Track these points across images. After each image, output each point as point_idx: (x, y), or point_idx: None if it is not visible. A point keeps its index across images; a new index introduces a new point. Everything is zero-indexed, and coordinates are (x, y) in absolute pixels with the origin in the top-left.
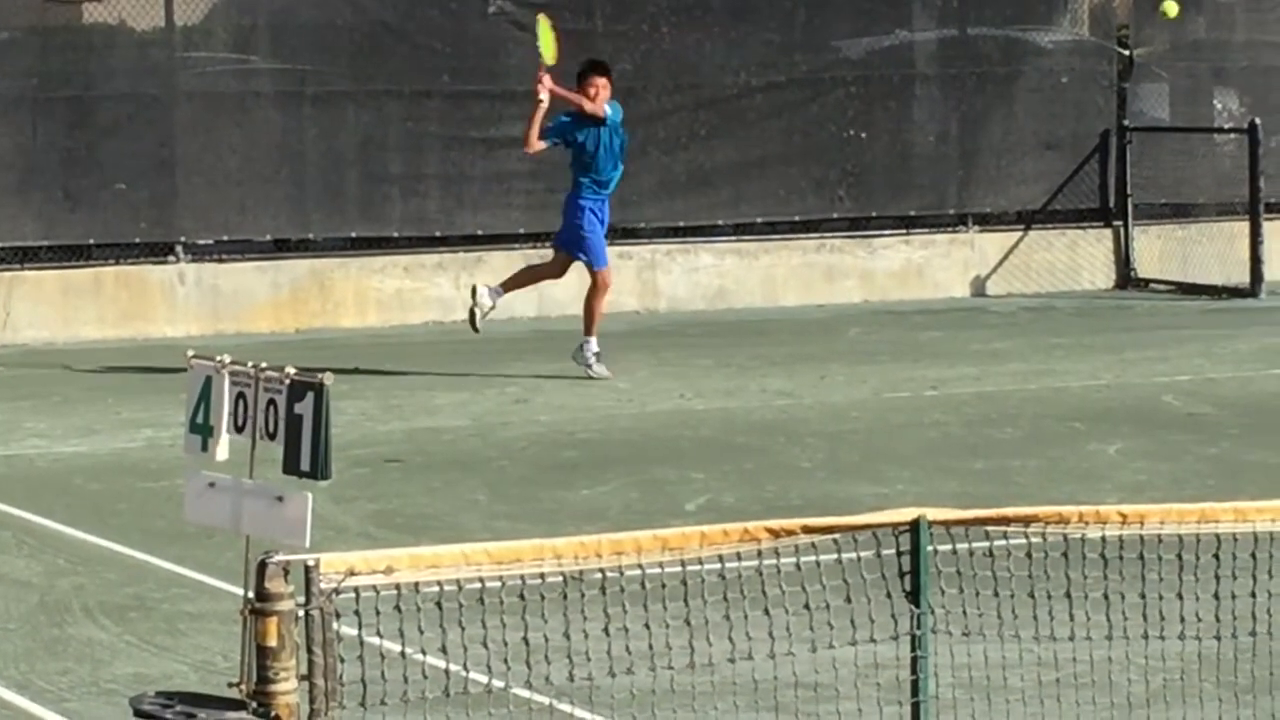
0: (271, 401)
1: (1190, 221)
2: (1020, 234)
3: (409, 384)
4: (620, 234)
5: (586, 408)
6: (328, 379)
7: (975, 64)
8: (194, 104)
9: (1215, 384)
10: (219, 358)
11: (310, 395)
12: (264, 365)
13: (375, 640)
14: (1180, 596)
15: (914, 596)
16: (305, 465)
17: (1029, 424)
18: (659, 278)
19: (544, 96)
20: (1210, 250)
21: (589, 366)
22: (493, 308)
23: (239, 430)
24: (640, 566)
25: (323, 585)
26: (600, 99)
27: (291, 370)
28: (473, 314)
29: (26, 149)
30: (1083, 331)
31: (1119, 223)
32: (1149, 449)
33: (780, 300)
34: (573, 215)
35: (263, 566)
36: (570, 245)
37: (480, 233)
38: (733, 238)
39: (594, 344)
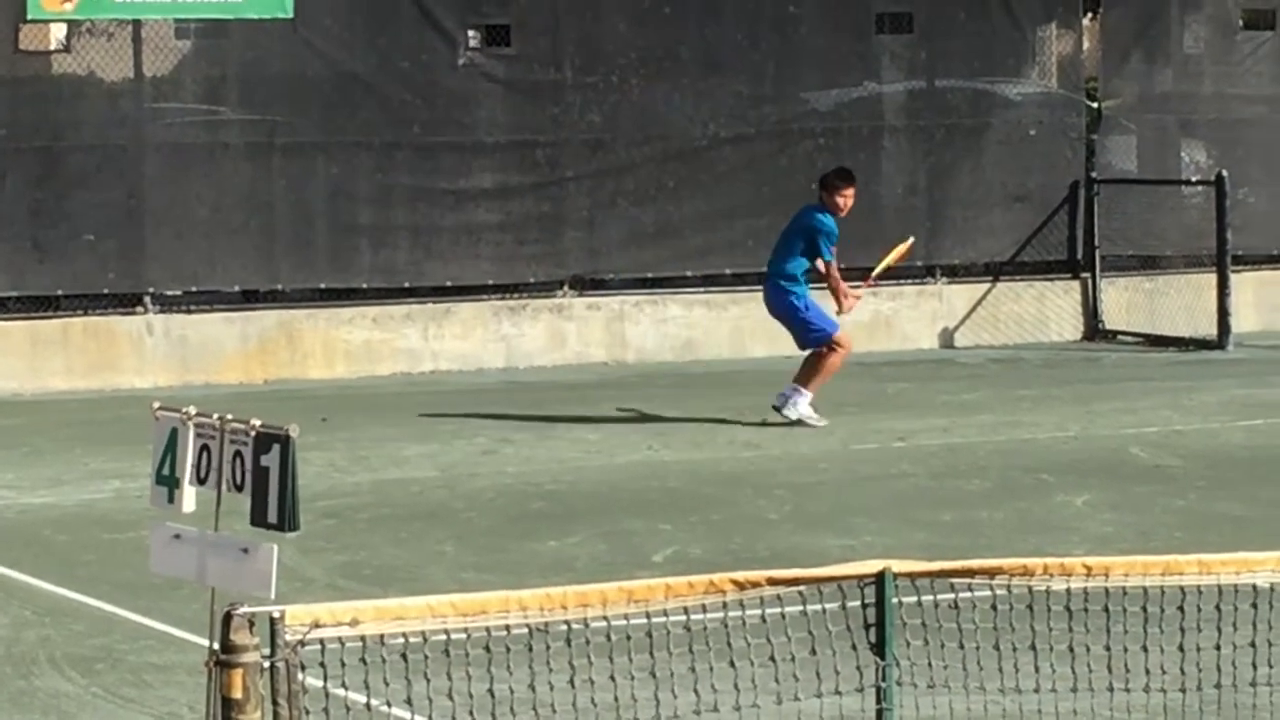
0: (238, 453)
1: (1158, 273)
2: (988, 286)
3: (377, 435)
4: (588, 285)
5: (555, 459)
6: (294, 431)
7: (943, 116)
8: (163, 155)
9: (1182, 436)
10: (184, 409)
11: (276, 447)
12: (230, 417)
13: (341, 692)
14: (1145, 649)
15: (879, 648)
16: (273, 517)
17: (997, 475)
18: (627, 329)
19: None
20: (1178, 302)
21: (800, 417)
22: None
23: (202, 482)
24: (606, 618)
25: (288, 637)
26: (845, 210)
27: (257, 422)
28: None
29: None
30: (1050, 383)
31: (1087, 274)
32: (1116, 501)
33: (748, 351)
34: (806, 312)
35: (228, 618)
36: (819, 338)
37: (449, 284)
38: (701, 289)
39: (810, 396)
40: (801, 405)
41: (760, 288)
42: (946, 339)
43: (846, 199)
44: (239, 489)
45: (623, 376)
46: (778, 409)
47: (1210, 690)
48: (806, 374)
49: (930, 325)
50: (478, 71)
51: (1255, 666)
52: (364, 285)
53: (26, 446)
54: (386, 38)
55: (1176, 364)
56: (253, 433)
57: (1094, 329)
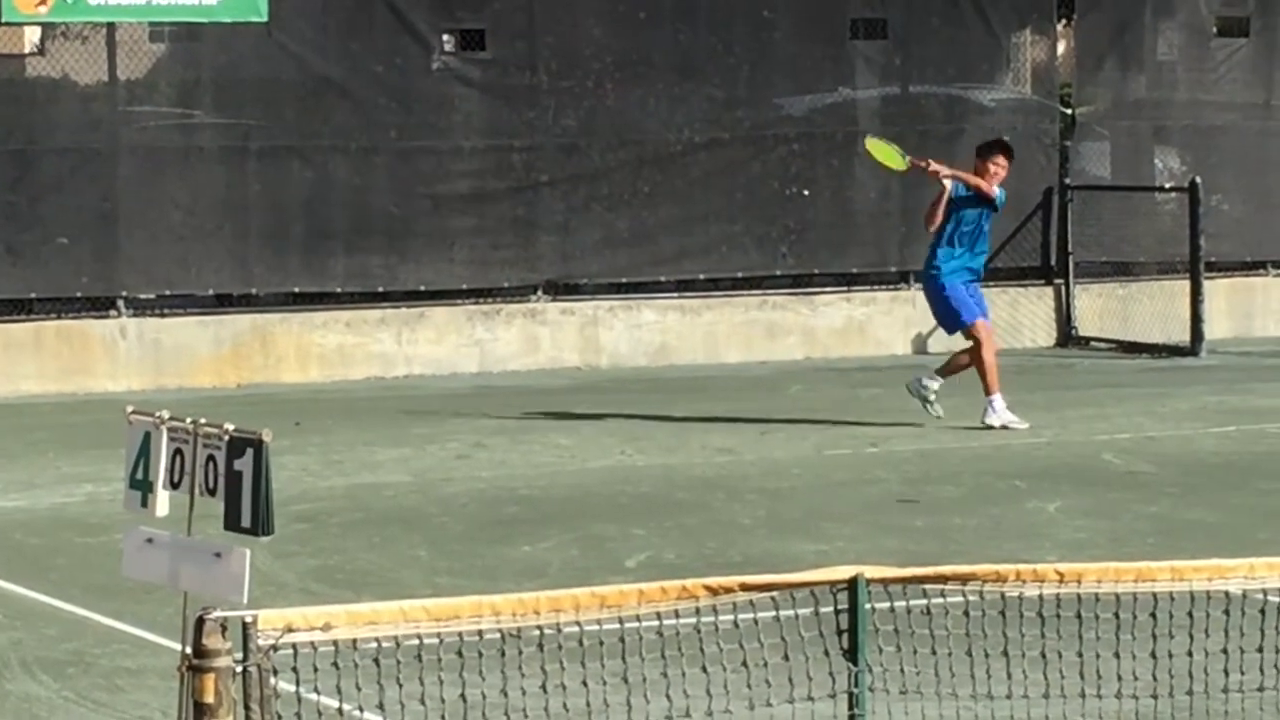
0: (211, 458)
1: (1131, 280)
2: None
3: (350, 439)
4: (562, 290)
5: (528, 464)
6: (267, 435)
7: (918, 122)
8: (137, 158)
9: (1155, 442)
10: (158, 414)
11: (250, 452)
12: (202, 421)
13: (313, 697)
14: (1118, 655)
15: (852, 654)
16: (246, 522)
17: (970, 482)
18: (601, 334)
19: (947, 183)
20: (1151, 309)
21: (1004, 424)
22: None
23: (175, 487)
24: (578, 623)
25: (260, 641)
26: (996, 179)
27: (230, 427)
28: (927, 402)
29: None
30: (1023, 389)
31: (1060, 281)
32: (1089, 507)
33: (722, 357)
34: (941, 293)
35: (200, 622)
36: (954, 323)
37: (423, 288)
38: (675, 294)
39: (999, 398)
40: (1001, 411)
41: (734, 293)
42: (920, 345)
43: (999, 166)
44: (212, 493)
45: (596, 381)
46: (987, 425)
47: (1182, 696)
48: (982, 378)
49: (903, 331)
50: (452, 75)
51: (1227, 673)
52: (338, 289)
53: None
54: (361, 41)
55: (1149, 370)
56: (226, 437)
57: (1067, 335)
